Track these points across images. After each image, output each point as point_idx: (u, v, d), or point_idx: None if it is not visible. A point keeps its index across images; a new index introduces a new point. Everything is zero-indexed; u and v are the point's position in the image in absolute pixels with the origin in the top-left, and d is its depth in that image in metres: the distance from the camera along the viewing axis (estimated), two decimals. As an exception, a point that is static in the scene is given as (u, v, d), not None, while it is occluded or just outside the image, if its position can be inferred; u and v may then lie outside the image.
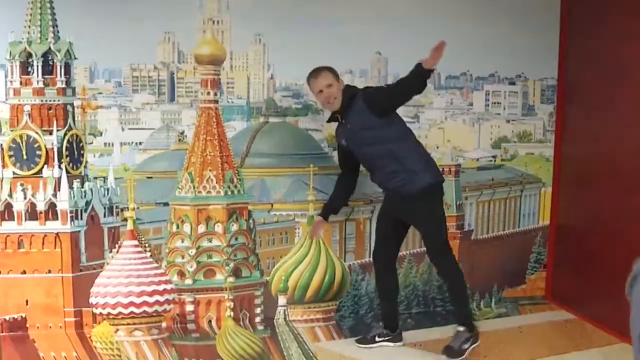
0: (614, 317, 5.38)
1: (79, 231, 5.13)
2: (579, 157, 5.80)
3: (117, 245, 5.19)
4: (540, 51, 5.80)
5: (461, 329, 4.61)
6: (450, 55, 5.63)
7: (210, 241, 5.33)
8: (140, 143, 5.27)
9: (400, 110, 5.60)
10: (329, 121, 4.84)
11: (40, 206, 5.07)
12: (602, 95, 5.46)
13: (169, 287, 5.20)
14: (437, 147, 5.65)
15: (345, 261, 5.60)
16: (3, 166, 5.04)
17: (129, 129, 5.28)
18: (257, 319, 5.42)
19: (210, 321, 5.35)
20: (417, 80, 4.28)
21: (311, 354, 5.00)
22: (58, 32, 4.99)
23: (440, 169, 5.56)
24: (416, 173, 4.45)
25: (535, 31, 5.72)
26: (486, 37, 5.67)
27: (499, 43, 5.70)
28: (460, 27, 5.60)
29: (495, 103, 5.90)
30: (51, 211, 5.09)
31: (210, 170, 5.28)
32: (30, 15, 4.98)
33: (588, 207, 5.67)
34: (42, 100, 5.03)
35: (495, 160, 5.95)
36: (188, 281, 5.32)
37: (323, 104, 4.59)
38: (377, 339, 4.96)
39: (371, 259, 5.48)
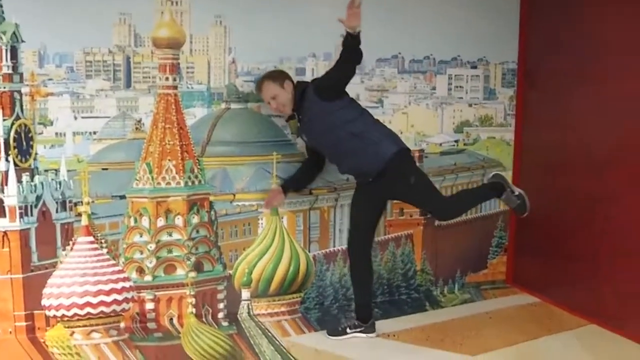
0: (577, 299, 5.44)
1: (29, 228, 4.75)
2: (539, 141, 5.81)
3: (71, 242, 4.84)
4: (501, 35, 5.77)
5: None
6: (414, 39, 5.57)
7: (170, 235, 5.06)
8: (94, 132, 4.92)
9: (364, 95, 5.50)
10: (287, 121, 4.75)
11: (-14, 202, 4.68)
12: (563, 78, 5.47)
13: (127, 284, 4.90)
14: (401, 132, 5.50)
15: (309, 251, 5.42)
16: (-56, 160, 4.63)
17: (82, 117, 4.91)
18: (220, 315, 5.19)
19: (171, 319, 5.09)
20: (350, 49, 4.36)
21: (284, 350, 4.80)
22: (3, 12, 4.57)
23: (405, 155, 5.48)
24: (379, 146, 4.56)
25: (497, 15, 5.70)
26: (449, 21, 5.59)
27: (462, 27, 5.63)
28: (424, 11, 5.52)
29: (457, 87, 5.81)
30: (-2, 207, 4.71)
31: (169, 160, 4.99)
32: (-30, -6, 4.56)
33: (548, 191, 5.69)
34: (-15, 88, 4.63)
35: (457, 145, 5.88)
36: (147, 278, 5.03)
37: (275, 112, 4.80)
38: (348, 330, 4.91)
39: (336, 248, 5.37)
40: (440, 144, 5.80)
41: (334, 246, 5.45)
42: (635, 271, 4.91)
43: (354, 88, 5.40)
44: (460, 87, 5.80)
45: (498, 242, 6.06)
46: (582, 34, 5.28)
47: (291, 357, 4.72)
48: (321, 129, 4.56)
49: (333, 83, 4.49)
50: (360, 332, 4.91)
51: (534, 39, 5.74)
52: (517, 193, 4.88)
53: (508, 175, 5.93)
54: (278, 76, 4.71)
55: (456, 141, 5.85)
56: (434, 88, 5.73)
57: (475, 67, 5.81)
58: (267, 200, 5.02)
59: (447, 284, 5.91)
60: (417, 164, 5.61)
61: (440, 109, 5.76)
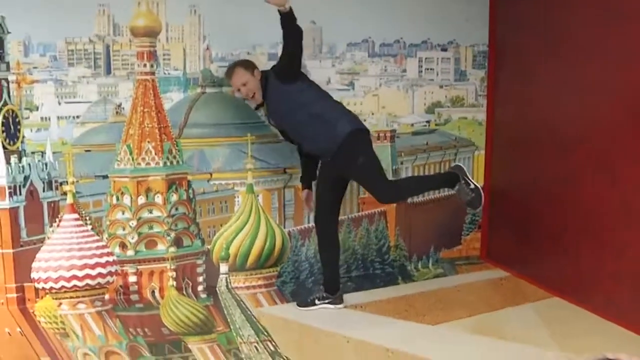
0: (546, 273, 5.64)
1: (18, 207, 5.10)
2: (511, 120, 5.99)
3: (57, 219, 5.18)
4: (471, 18, 5.94)
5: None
6: (384, 23, 5.79)
7: (150, 212, 5.37)
8: (77, 116, 5.25)
9: (335, 78, 5.75)
10: (256, 109, 5.01)
11: (-23, 183, 5.04)
12: (532, 59, 5.64)
13: (111, 259, 5.23)
14: (373, 114, 5.76)
15: (284, 228, 5.70)
16: (-62, 144, 4.99)
17: (66, 102, 5.24)
18: (200, 288, 5.50)
19: (153, 291, 5.40)
20: (287, 28, 4.66)
21: (254, 319, 5.10)
22: (-12, 6, 4.92)
23: (376, 135, 5.76)
24: (335, 126, 4.76)
25: (466, -2, 5.88)
26: (418, 5, 5.79)
27: (431, 10, 5.82)
28: (394, -5, 5.72)
29: (428, 69, 6.02)
30: (-12, 187, 5.07)
31: (148, 142, 5.30)
32: (-42, -11, 4.90)
33: (520, 169, 5.88)
34: (-26, 76, 4.98)
35: (429, 125, 6.10)
36: (130, 252, 5.35)
37: (247, 100, 4.99)
38: (317, 302, 5.15)
39: (311, 224, 5.63)
40: (412, 125, 6.02)
41: (309, 223, 5.71)
42: (597, 248, 5.09)
43: (325, 72, 5.68)
44: (431, 69, 6.01)
45: (472, 219, 6.27)
46: (550, 13, 5.43)
47: (259, 326, 5.03)
48: (283, 112, 4.83)
49: (286, 64, 4.75)
50: (328, 303, 5.18)
51: (503, 20, 5.91)
52: (472, 187, 4.92)
53: (481, 155, 6.16)
54: (248, 64, 4.95)
55: (428, 122, 6.07)
56: (404, 70, 5.95)
57: (445, 50, 6.02)
58: (305, 204, 5.29)
59: (421, 260, 6.14)
60: (389, 143, 5.88)
61: (411, 90, 5.98)
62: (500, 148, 6.09)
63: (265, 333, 4.93)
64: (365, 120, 5.66)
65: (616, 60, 4.77)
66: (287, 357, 4.62)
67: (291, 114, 4.79)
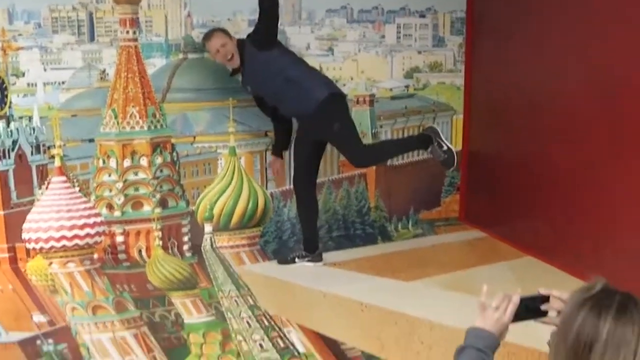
0: (519, 233, 5.83)
1: (8, 170, 5.29)
2: (489, 85, 6.14)
3: (46, 182, 5.37)
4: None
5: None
6: (363, -10, 5.93)
7: (136, 174, 5.56)
8: (63, 82, 5.42)
9: (315, 44, 5.91)
10: (232, 75, 5.17)
11: (-32, 147, 5.22)
12: (509, 26, 5.78)
13: (98, 219, 5.43)
14: (352, 79, 5.92)
15: (267, 189, 5.88)
16: None
17: (51, 69, 5.41)
18: (185, 247, 5.70)
19: (140, 251, 5.60)
20: None
21: (236, 276, 5.30)
22: (-28, -25, 5.08)
23: (355, 99, 5.93)
24: (313, 90, 4.94)
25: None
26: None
27: (409, -23, 5.96)
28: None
29: (406, 35, 6.17)
30: (-22, 152, 5.25)
31: (132, 106, 5.48)
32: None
33: (497, 133, 6.05)
34: (-39, 44, 5.15)
35: (407, 90, 6.25)
36: (117, 213, 5.55)
37: (223, 63, 5.08)
38: (296, 260, 5.36)
39: (291, 186, 5.81)
40: (391, 89, 6.18)
41: (290, 184, 5.89)
42: (567, 208, 5.27)
43: (305, 38, 5.84)
44: (409, 35, 6.16)
45: (450, 182, 6.45)
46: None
47: (240, 282, 5.23)
48: (261, 78, 5.00)
49: (262, 31, 4.91)
50: (307, 261, 5.38)
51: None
52: (445, 148, 4.99)
53: (459, 119, 6.32)
54: (226, 30, 5.15)
55: (406, 86, 6.22)
56: (382, 36, 6.10)
57: (423, 16, 6.16)
58: (273, 170, 5.60)
59: (401, 221, 6.32)
60: (368, 107, 6.05)
61: (390, 56, 6.13)
62: (478, 112, 6.25)
63: (246, 288, 5.13)
64: (344, 85, 5.85)
65: (589, 27, 4.90)
66: (265, 310, 4.80)
67: (269, 79, 4.96)
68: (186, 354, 4.45)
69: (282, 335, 4.44)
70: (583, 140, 5.04)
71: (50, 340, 4.47)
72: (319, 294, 4.90)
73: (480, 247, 5.96)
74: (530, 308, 2.14)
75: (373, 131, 6.08)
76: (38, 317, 4.77)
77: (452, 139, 6.27)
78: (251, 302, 4.95)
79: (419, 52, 6.22)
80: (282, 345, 4.35)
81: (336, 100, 5.01)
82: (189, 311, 4.94)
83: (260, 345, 4.38)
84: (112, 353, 4.42)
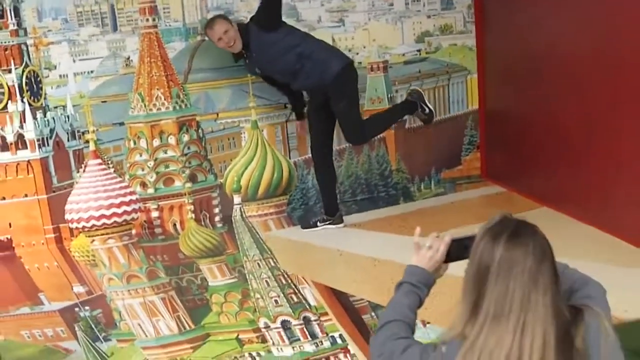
0: (536, 186, 5.98)
1: (48, 156, 5.74)
2: (500, 44, 6.28)
3: (83, 165, 5.80)
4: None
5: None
6: (369, -39, 6.13)
7: (165, 152, 5.93)
8: (91, 72, 5.83)
9: (325, 16, 6.16)
10: (236, 61, 5.44)
11: (10, 138, 5.66)
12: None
13: (134, 197, 5.83)
14: (364, 47, 6.16)
15: (290, 158, 6.19)
16: (-30, 106, 5.63)
17: (80, 60, 5.83)
18: (217, 218, 6.05)
19: (174, 224, 5.99)
20: None
21: (261, 241, 5.64)
22: (2, -22, 5.51)
23: (369, 66, 6.16)
24: (327, 62, 5.12)
25: None
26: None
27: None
28: None
29: (414, 1, 6.36)
30: (20, 141, 5.68)
31: (157, 89, 5.84)
32: (-26, -34, 5.50)
33: (512, 90, 6.20)
34: (-2, 43, 5.60)
35: (420, 54, 6.45)
36: (150, 190, 5.94)
37: (226, 49, 5.23)
38: (318, 224, 5.63)
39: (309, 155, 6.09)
40: (404, 54, 6.39)
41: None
42: (577, 159, 5.42)
43: (315, 11, 6.10)
44: (417, 1, 6.34)
45: (470, 140, 6.62)
46: None
47: (264, 246, 5.57)
48: (271, 57, 5.20)
49: (267, 13, 5.12)
50: (329, 224, 5.66)
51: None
52: (427, 111, 5.37)
53: (474, 78, 6.49)
54: (226, 17, 5.37)
55: (418, 50, 6.42)
56: (391, 4, 6.31)
57: (430, -20, 6.35)
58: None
59: (423, 181, 6.54)
60: (382, 73, 6.27)
61: (400, 22, 6.33)
62: (491, 71, 6.39)
63: (269, 252, 5.47)
64: (357, 54, 6.11)
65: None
66: (284, 270, 5.12)
67: (280, 57, 5.16)
68: (207, 312, 4.82)
69: (296, 291, 4.76)
70: (589, 96, 5.18)
71: (87, 307, 4.91)
72: (335, 253, 5.20)
73: (498, 201, 6.13)
74: (460, 247, 2.31)
75: (389, 95, 6.30)
76: (77, 288, 5.23)
77: (468, 99, 6.45)
78: (272, 264, 5.29)
79: (429, 17, 6.40)
80: (295, 300, 4.67)
81: (350, 71, 5.22)
82: (214, 275, 5.31)
83: (276, 301, 4.72)
84: (141, 315, 4.82)
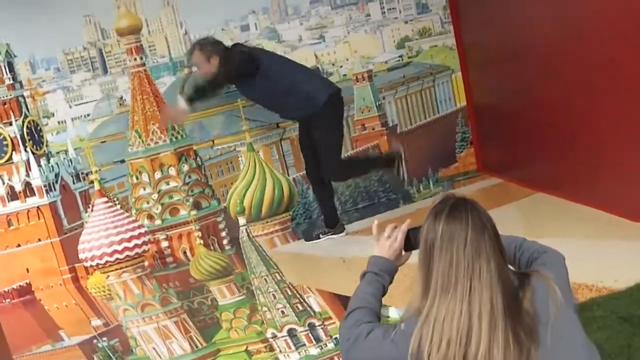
0: (529, 173, 6.08)
1: (56, 201, 5.98)
2: (479, 40, 6.41)
3: (90, 205, 6.02)
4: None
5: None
6: (341, -24, 6.33)
7: (168, 184, 6.14)
8: (88, 115, 6.08)
9: (306, 35, 6.35)
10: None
11: (18, 187, 5.90)
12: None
13: (142, 230, 6.04)
14: (347, 60, 6.35)
15: (288, 175, 6.37)
16: (-23, 161, 5.90)
17: (76, 105, 6.08)
18: (224, 241, 6.24)
19: (185, 252, 6.18)
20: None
21: (267, 258, 5.82)
22: (-6, 38, 5.78)
23: (354, 78, 6.33)
24: (312, 93, 4.91)
25: None
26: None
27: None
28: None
29: (390, 9, 6.54)
30: (28, 189, 5.93)
31: (153, 124, 6.07)
32: (-33, 28, 5.78)
33: (496, 82, 6.32)
34: (-4, 98, 5.87)
35: (402, 59, 6.62)
36: (158, 222, 6.15)
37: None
38: (321, 236, 5.53)
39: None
40: (386, 62, 6.56)
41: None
42: (563, 143, 5.54)
43: (295, 31, 6.30)
44: (393, 8, 6.52)
45: (462, 137, 6.75)
46: None
47: (271, 262, 5.74)
48: (257, 97, 5.05)
49: (235, 77, 4.90)
50: (331, 235, 5.57)
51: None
52: (401, 172, 5.44)
53: (458, 76, 6.64)
54: (206, 48, 4.93)
55: (400, 56, 6.59)
56: (368, 15, 6.50)
57: (403, -12, 6.53)
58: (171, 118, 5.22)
59: (422, 182, 6.68)
60: (368, 83, 6.44)
61: (379, 31, 6.51)
62: (474, 67, 6.52)
63: (275, 267, 5.64)
64: (341, 67, 6.29)
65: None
66: (290, 283, 5.29)
67: (264, 98, 5.01)
68: (218, 330, 5.00)
69: (302, 300, 4.93)
70: (567, 81, 5.29)
71: (105, 338, 5.11)
72: (338, 260, 5.34)
73: (495, 192, 6.23)
74: (418, 236, 2.30)
75: (377, 103, 6.47)
76: (95, 322, 5.44)
77: (455, 96, 6.60)
78: (278, 277, 5.46)
79: (406, 22, 6.58)
80: (300, 309, 4.84)
81: (337, 99, 5.04)
82: (224, 294, 5.50)
83: (282, 312, 4.89)
84: (155, 339, 5.01)
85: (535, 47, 5.64)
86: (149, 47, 6.10)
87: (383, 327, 2.21)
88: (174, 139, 6.12)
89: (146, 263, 6.04)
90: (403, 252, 2.43)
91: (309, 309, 4.83)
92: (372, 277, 2.37)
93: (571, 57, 5.25)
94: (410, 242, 2.39)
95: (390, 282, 2.42)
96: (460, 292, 1.99)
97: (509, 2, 5.83)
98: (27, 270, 5.98)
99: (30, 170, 5.90)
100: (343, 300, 4.95)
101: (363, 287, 2.37)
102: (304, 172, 6.11)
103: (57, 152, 5.97)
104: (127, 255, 5.97)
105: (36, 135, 5.93)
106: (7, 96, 5.84)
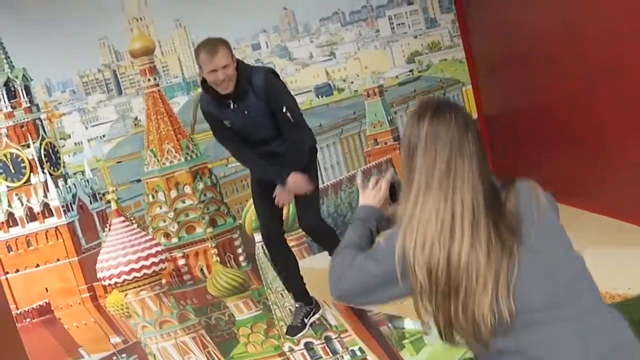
0: (541, 181, 6.09)
1: (74, 221, 6.06)
2: (489, 52, 6.49)
3: (107, 225, 6.11)
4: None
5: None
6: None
7: (183, 202, 6.22)
8: (103, 136, 6.18)
9: (316, 52, 6.43)
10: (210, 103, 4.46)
11: (37, 208, 6.00)
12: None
13: (159, 248, 6.10)
14: (358, 75, 6.42)
15: (302, 192, 6.41)
16: (-2, 183, 6.00)
17: (92, 126, 6.18)
18: (241, 258, 6.30)
19: (202, 269, 6.25)
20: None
21: (283, 273, 5.86)
22: (11, 62, 5.89)
23: (365, 93, 6.40)
24: (300, 155, 4.40)
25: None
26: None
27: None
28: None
29: (399, 24, 6.61)
30: (46, 210, 6.02)
31: (167, 143, 6.15)
32: (-15, 54, 5.91)
33: (506, 93, 6.39)
34: (14, 122, 5.95)
35: (412, 74, 6.68)
36: (174, 240, 6.21)
37: (213, 84, 4.22)
38: (305, 321, 4.81)
39: (325, 184, 6.31)
40: (397, 77, 6.63)
41: (323, 183, 6.41)
42: (572, 153, 5.60)
43: (306, 49, 6.39)
44: (402, 23, 6.60)
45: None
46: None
47: (287, 277, 5.77)
48: (257, 126, 4.37)
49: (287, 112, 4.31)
50: (313, 314, 4.83)
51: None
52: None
53: (469, 89, 6.70)
54: (229, 45, 4.35)
55: (411, 71, 6.66)
56: (377, 31, 6.58)
57: (411, 3, 6.60)
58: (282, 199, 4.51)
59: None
60: (379, 98, 6.51)
61: (389, 46, 6.59)
62: (485, 79, 6.60)
63: (291, 282, 5.68)
64: (352, 83, 6.36)
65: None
66: (313, 301, 5.31)
67: (266, 129, 4.39)
68: (236, 344, 5.06)
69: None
70: (573, 87, 5.38)
71: (124, 355, 5.18)
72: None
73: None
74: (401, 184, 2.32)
75: (389, 118, 6.53)
76: (114, 339, 5.51)
77: (467, 108, 6.61)
78: (294, 292, 5.49)
79: (415, 37, 6.65)
80: (317, 322, 4.87)
81: (315, 153, 4.67)
82: (241, 310, 5.55)
83: (299, 326, 4.92)
84: (174, 355, 5.07)
85: (542, 55, 5.71)
86: (163, 67, 6.20)
87: (364, 253, 2.20)
88: (188, 158, 6.20)
89: (164, 281, 6.10)
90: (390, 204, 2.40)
91: (325, 322, 4.87)
92: (357, 223, 2.35)
93: (578, 64, 5.31)
94: (395, 193, 2.37)
95: (378, 228, 2.38)
96: (443, 191, 1.98)
97: (516, 13, 5.91)
98: (47, 289, 6.06)
99: (48, 191, 5.99)
100: (358, 313, 5.00)
101: (349, 233, 2.34)
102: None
103: (74, 173, 6.06)
104: (145, 274, 6.03)
105: (53, 157, 6.03)
106: (24, 119, 5.95)
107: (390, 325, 4.79)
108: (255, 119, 4.26)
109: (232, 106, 4.27)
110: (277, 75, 4.47)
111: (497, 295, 1.91)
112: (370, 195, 2.39)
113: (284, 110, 4.27)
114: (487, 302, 1.90)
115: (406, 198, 2.03)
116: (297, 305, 4.81)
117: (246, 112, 4.25)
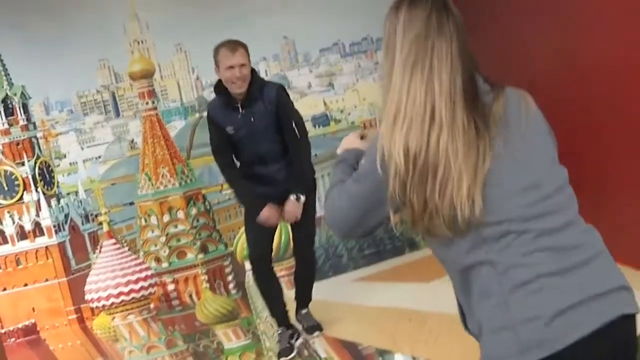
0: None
1: (64, 241, 6.02)
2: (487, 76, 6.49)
3: (98, 246, 6.07)
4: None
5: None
6: (352, 25, 6.45)
7: (176, 227, 6.19)
8: (99, 157, 6.16)
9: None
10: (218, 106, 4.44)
11: (28, 226, 5.96)
12: (484, 21, 6.10)
13: (149, 272, 6.07)
14: (355, 107, 6.44)
15: (295, 221, 6.40)
16: (-12, 200, 5.96)
17: (87, 147, 6.16)
18: (231, 285, 6.27)
19: (190, 295, 6.21)
20: None
21: (273, 303, 5.82)
22: (11, 79, 5.88)
23: (362, 125, 6.40)
24: (305, 171, 4.54)
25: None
26: (382, 5, 6.41)
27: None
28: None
29: (399, 57, 6.62)
30: (37, 229, 5.98)
31: (162, 167, 6.14)
32: (-16, 71, 5.91)
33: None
34: (10, 139, 5.93)
35: (410, 107, 6.68)
36: (164, 264, 6.18)
37: (228, 81, 4.26)
38: (292, 342, 4.88)
39: (318, 214, 6.27)
40: (394, 110, 6.62)
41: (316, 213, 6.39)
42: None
43: (305, 78, 6.41)
44: (401, 56, 6.61)
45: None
46: None
47: (276, 307, 5.74)
48: (262, 136, 4.40)
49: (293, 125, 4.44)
50: (297, 337, 4.90)
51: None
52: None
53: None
54: (248, 49, 4.45)
55: (408, 104, 6.65)
56: (376, 63, 6.60)
57: (412, 38, 6.61)
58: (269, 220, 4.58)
59: (428, 228, 6.68)
60: (375, 130, 6.51)
61: (387, 79, 6.59)
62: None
63: (281, 312, 5.64)
64: (349, 114, 6.37)
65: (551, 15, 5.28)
66: (295, 326, 5.29)
67: (270, 141, 4.45)
68: (223, 374, 5.02)
69: (307, 346, 4.93)
70: (565, 115, 5.39)
71: (109, 380, 5.12)
72: (343, 306, 5.38)
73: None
74: None
75: (385, 151, 6.53)
76: (100, 363, 5.45)
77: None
78: (284, 322, 5.46)
79: (414, 71, 6.64)
80: (306, 354, 4.83)
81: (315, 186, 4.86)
82: (229, 338, 5.51)
83: (288, 357, 4.88)
84: (160, 382, 5.03)
85: (539, 88, 5.72)
86: (161, 91, 6.21)
87: (348, 180, 2.14)
88: (183, 183, 6.19)
89: (152, 305, 6.06)
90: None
91: (314, 354, 4.83)
92: (340, 164, 2.28)
93: (575, 101, 5.33)
94: None
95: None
96: (421, 70, 1.93)
97: (513, 41, 5.93)
98: (33, 309, 6.01)
99: (40, 210, 5.96)
100: (348, 346, 4.97)
101: (334, 172, 2.27)
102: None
103: (68, 193, 6.04)
104: (133, 297, 5.99)
105: (47, 176, 6.01)
106: (20, 137, 5.93)
107: (380, 359, 4.76)
108: (260, 128, 4.32)
109: (240, 111, 4.33)
110: (288, 94, 4.55)
111: (473, 189, 1.85)
112: (350, 140, 2.34)
113: (293, 125, 4.40)
114: (465, 188, 1.84)
115: (387, 82, 1.98)
116: (279, 331, 4.86)
117: (252, 119, 4.31)
